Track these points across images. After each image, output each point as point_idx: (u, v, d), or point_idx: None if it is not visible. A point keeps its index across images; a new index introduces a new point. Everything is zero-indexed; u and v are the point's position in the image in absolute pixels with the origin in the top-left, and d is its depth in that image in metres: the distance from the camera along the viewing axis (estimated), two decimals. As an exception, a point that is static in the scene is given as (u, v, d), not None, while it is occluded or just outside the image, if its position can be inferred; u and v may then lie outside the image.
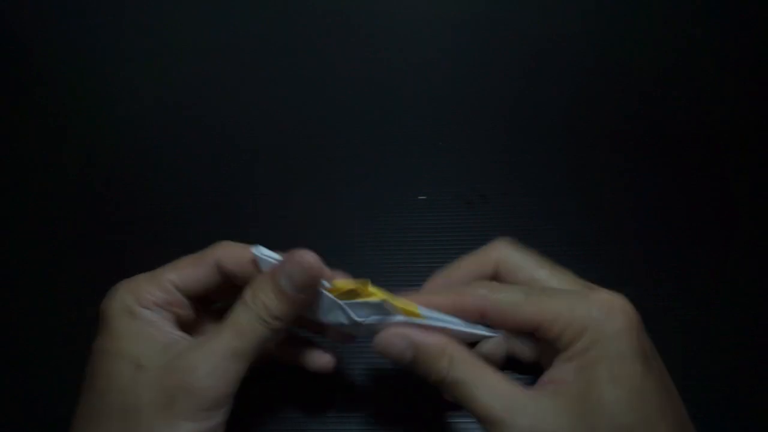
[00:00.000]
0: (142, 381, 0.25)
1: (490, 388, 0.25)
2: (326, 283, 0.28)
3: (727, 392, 0.35)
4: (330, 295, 0.27)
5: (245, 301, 0.27)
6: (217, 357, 0.25)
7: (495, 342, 0.29)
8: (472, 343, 0.29)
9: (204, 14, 0.65)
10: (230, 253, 0.29)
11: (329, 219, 0.45)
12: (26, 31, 0.65)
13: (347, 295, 0.27)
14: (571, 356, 0.25)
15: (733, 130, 0.49)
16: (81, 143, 0.52)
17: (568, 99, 0.53)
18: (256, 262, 0.28)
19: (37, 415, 0.36)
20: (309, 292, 0.27)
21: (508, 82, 0.55)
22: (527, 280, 0.29)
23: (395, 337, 0.27)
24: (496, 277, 0.30)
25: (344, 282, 0.28)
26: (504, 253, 0.29)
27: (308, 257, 0.26)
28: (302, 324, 0.32)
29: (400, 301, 0.28)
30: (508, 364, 0.30)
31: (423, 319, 0.27)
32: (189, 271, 0.29)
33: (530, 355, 0.30)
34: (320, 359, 0.32)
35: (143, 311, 0.27)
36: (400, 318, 0.27)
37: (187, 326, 0.29)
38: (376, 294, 0.27)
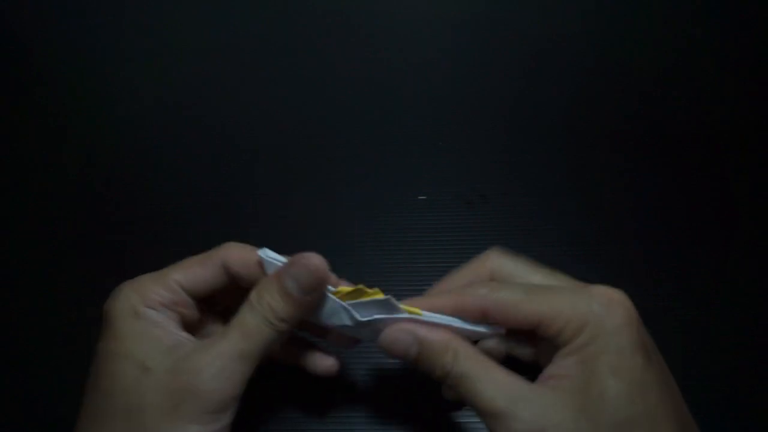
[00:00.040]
0: (148, 383, 0.25)
1: (494, 383, 0.25)
2: (330, 287, 0.28)
3: (727, 392, 0.35)
4: (334, 297, 0.28)
5: (251, 303, 0.27)
6: (224, 359, 0.25)
7: (494, 341, 0.29)
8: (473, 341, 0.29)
9: (204, 14, 0.65)
10: (237, 255, 0.29)
11: (329, 219, 0.45)
12: (26, 31, 0.65)
13: (351, 296, 0.28)
14: (572, 351, 0.25)
15: (733, 130, 0.49)
16: (81, 143, 0.52)
17: (568, 99, 0.53)
18: (261, 264, 0.28)
19: (37, 415, 0.36)
20: (315, 294, 0.27)
21: (508, 82, 0.55)
22: None
23: (400, 333, 0.27)
24: None
25: (348, 286, 0.28)
26: (498, 261, 0.29)
27: (314, 260, 0.26)
28: (305, 327, 0.32)
29: (403, 305, 0.28)
30: (508, 365, 0.30)
31: (426, 317, 0.27)
32: (195, 272, 0.29)
33: (529, 355, 0.30)
34: (324, 362, 0.32)
35: (148, 311, 0.27)
36: (404, 315, 0.27)
37: (191, 327, 0.29)
38: (379, 294, 0.27)
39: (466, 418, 0.34)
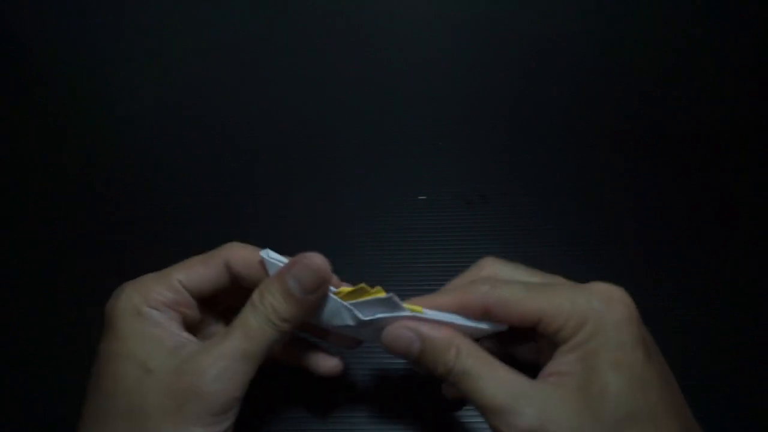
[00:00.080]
0: (150, 384, 0.25)
1: (496, 379, 0.25)
2: (332, 288, 0.28)
3: (727, 392, 0.35)
4: (335, 297, 0.28)
5: (254, 304, 0.27)
6: (226, 360, 0.25)
7: (490, 342, 0.29)
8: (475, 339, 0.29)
9: (204, 14, 0.65)
10: (239, 254, 0.29)
11: (329, 219, 0.45)
12: (26, 31, 0.65)
13: (352, 295, 0.28)
14: (573, 347, 0.25)
15: (733, 130, 0.49)
16: (81, 143, 0.52)
17: (568, 99, 0.53)
18: (264, 265, 0.28)
19: (37, 415, 0.36)
20: (317, 294, 0.27)
21: (508, 82, 0.55)
22: None
23: (403, 330, 0.27)
24: None
25: (349, 287, 0.28)
26: (494, 267, 0.30)
27: (316, 259, 0.26)
28: (306, 328, 0.32)
29: (405, 303, 0.28)
30: (508, 364, 0.30)
31: (428, 315, 0.28)
32: (198, 271, 0.29)
33: (529, 354, 0.30)
34: (328, 363, 0.32)
35: (150, 312, 0.27)
36: (406, 313, 0.27)
37: (193, 327, 0.29)
38: (381, 292, 0.27)
39: (467, 418, 0.34)
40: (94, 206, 0.47)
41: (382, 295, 0.27)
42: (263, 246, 0.29)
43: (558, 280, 0.29)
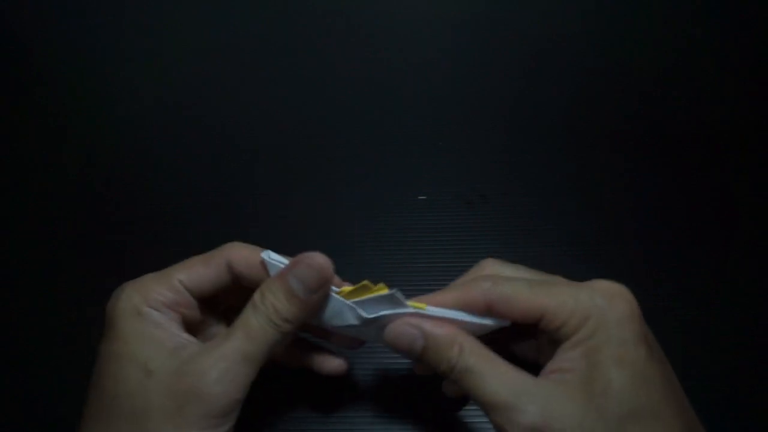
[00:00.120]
0: (151, 386, 0.25)
1: (499, 377, 0.25)
2: (334, 288, 0.28)
3: (727, 392, 0.35)
4: (338, 296, 0.28)
5: (255, 304, 0.27)
6: (228, 361, 0.25)
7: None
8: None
9: (204, 14, 0.65)
10: (241, 254, 0.29)
11: (329, 219, 0.45)
12: (26, 31, 0.65)
13: (355, 294, 0.28)
14: (575, 344, 0.25)
15: (733, 130, 0.49)
16: (81, 143, 0.52)
17: (568, 99, 0.53)
18: (265, 266, 0.28)
19: (37, 415, 0.36)
20: (320, 294, 0.27)
21: (508, 82, 0.55)
22: None
23: (406, 327, 0.27)
24: None
25: (350, 286, 0.28)
26: (495, 268, 0.30)
27: (319, 259, 0.26)
28: (307, 329, 0.32)
29: (408, 301, 0.28)
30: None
31: (431, 312, 0.28)
32: (198, 271, 0.29)
33: (529, 352, 0.30)
34: (332, 363, 0.32)
35: (151, 312, 0.27)
36: (409, 310, 0.27)
37: (193, 327, 0.29)
38: (384, 289, 0.27)
39: (468, 417, 0.34)
40: (94, 206, 0.47)
41: (385, 291, 0.27)
42: (263, 246, 0.29)
43: (559, 280, 0.29)
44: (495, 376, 0.25)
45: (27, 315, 0.40)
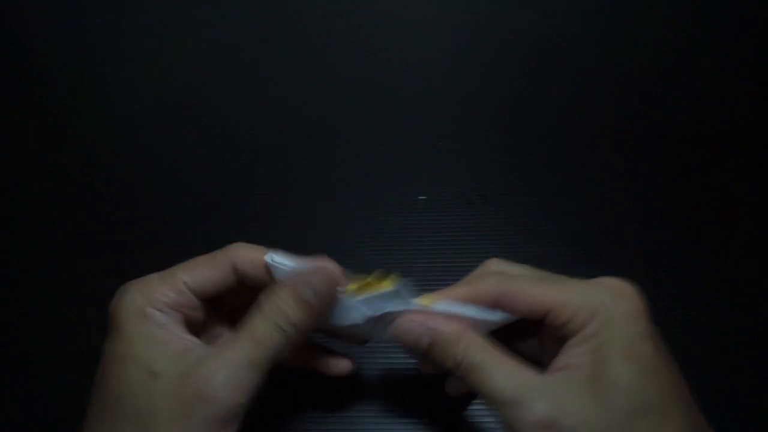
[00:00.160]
0: (157, 389, 0.25)
1: (506, 373, 0.25)
2: (339, 288, 0.28)
3: (727, 392, 0.35)
4: (344, 296, 0.27)
5: (263, 310, 0.26)
6: (234, 366, 0.25)
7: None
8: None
9: (204, 14, 0.65)
10: (246, 255, 0.29)
11: (329, 219, 0.45)
12: (26, 31, 0.65)
13: (362, 289, 0.27)
14: (582, 340, 0.25)
15: (733, 130, 0.49)
16: (81, 143, 0.52)
17: (568, 99, 0.53)
18: (268, 268, 0.28)
19: (37, 415, 0.36)
20: (329, 300, 0.27)
21: (508, 82, 0.55)
22: None
23: (412, 323, 0.27)
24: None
25: (358, 281, 0.28)
26: (501, 268, 0.30)
27: (330, 266, 0.26)
28: (315, 329, 0.32)
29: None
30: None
31: (438, 307, 0.28)
32: (203, 272, 0.29)
33: (530, 351, 0.30)
34: (338, 365, 0.32)
35: (155, 313, 0.27)
36: (415, 306, 0.27)
37: (196, 328, 0.29)
38: (396, 280, 0.27)
39: (473, 417, 0.34)
40: (94, 206, 0.47)
41: (390, 288, 0.27)
42: (268, 245, 0.29)
43: (565, 278, 0.29)
44: (502, 372, 0.25)
45: (27, 315, 0.40)
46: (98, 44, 0.62)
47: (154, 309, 0.27)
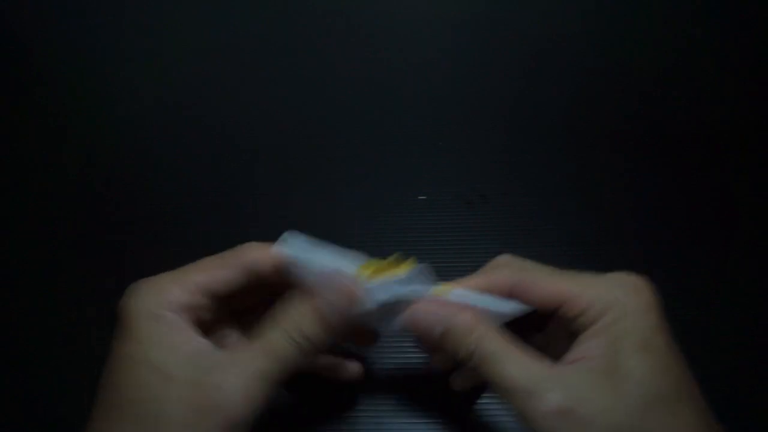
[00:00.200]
0: (170, 393, 0.25)
1: (520, 363, 0.25)
2: (353, 271, 0.28)
3: (727, 392, 0.35)
4: (360, 281, 0.27)
5: (279, 322, 0.26)
6: (248, 377, 0.25)
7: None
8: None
9: (204, 14, 0.65)
10: (264, 257, 0.29)
11: (329, 219, 0.45)
12: (26, 31, 0.65)
13: (376, 274, 0.27)
14: (596, 332, 0.25)
15: (733, 130, 0.49)
16: (81, 143, 0.52)
17: (568, 99, 0.53)
18: (283, 265, 0.28)
19: (37, 415, 0.36)
20: (347, 318, 0.27)
21: (508, 82, 0.55)
22: None
23: (425, 313, 0.27)
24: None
25: (374, 264, 0.28)
26: (513, 262, 0.30)
27: (350, 284, 0.26)
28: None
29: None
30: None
31: (452, 296, 0.28)
32: (216, 274, 0.28)
33: (534, 346, 0.30)
34: (351, 370, 0.32)
35: (167, 314, 0.27)
36: (430, 293, 0.27)
37: (204, 328, 0.29)
38: (412, 264, 0.27)
39: (479, 415, 0.34)
40: (94, 206, 0.47)
41: (405, 273, 0.27)
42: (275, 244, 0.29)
43: (576, 273, 0.29)
44: (516, 361, 0.25)
45: (27, 315, 0.40)
46: (98, 44, 0.62)
47: (166, 310, 0.27)
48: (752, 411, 0.34)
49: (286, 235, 0.28)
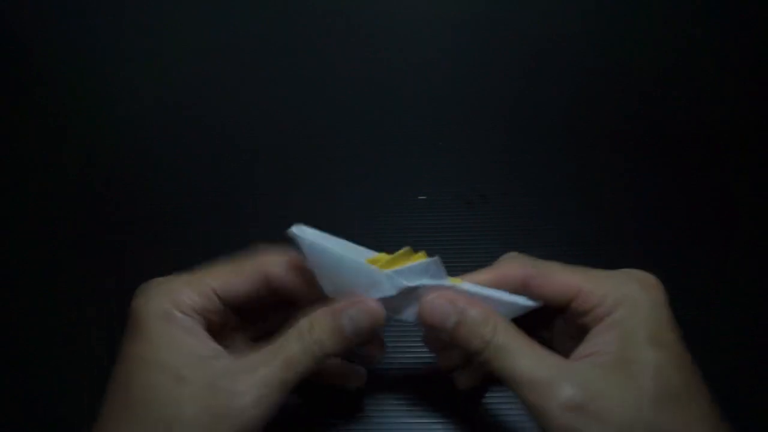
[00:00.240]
0: (184, 396, 0.24)
1: (534, 356, 0.25)
2: (366, 258, 0.28)
3: (727, 392, 0.35)
4: (374, 267, 0.27)
5: (302, 334, 0.26)
6: (266, 386, 0.25)
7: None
8: None
9: (204, 14, 0.65)
10: (277, 264, 0.29)
11: (329, 219, 0.44)
12: (26, 31, 0.65)
13: (394, 262, 0.27)
14: (609, 326, 0.25)
15: (733, 130, 0.49)
16: (81, 143, 0.52)
17: (568, 99, 0.53)
18: (300, 270, 0.28)
19: (37, 415, 0.36)
20: (366, 337, 0.27)
21: (508, 82, 0.55)
22: None
23: (441, 302, 0.27)
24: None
25: (382, 256, 0.28)
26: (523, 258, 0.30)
27: (374, 305, 0.27)
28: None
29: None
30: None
31: (467, 287, 0.28)
32: (232, 280, 0.28)
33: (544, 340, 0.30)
34: (357, 377, 0.33)
35: (180, 317, 0.26)
36: (446, 282, 0.27)
37: (213, 332, 0.29)
38: (424, 256, 0.27)
39: (482, 416, 0.34)
40: (94, 206, 0.47)
41: (424, 260, 0.27)
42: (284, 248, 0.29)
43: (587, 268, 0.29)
44: (529, 355, 0.25)
45: (27, 315, 0.40)
46: (98, 44, 0.62)
47: (180, 312, 0.26)
48: (752, 411, 0.34)
49: (293, 228, 0.28)
